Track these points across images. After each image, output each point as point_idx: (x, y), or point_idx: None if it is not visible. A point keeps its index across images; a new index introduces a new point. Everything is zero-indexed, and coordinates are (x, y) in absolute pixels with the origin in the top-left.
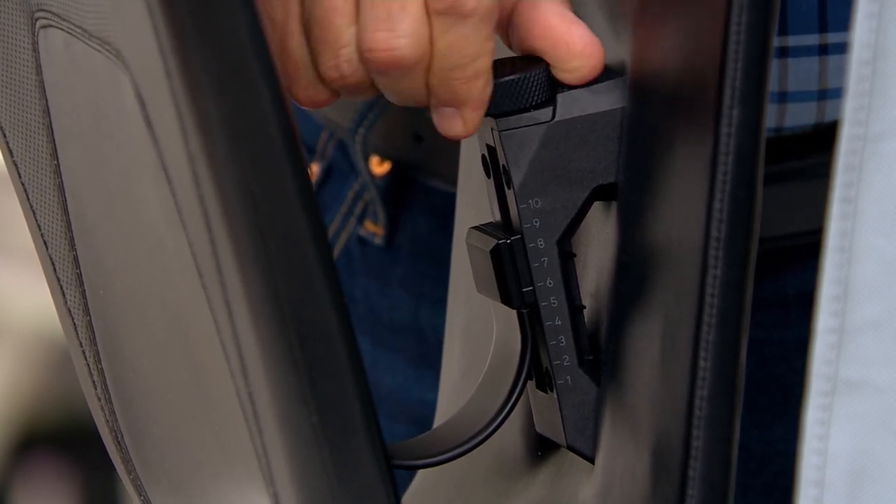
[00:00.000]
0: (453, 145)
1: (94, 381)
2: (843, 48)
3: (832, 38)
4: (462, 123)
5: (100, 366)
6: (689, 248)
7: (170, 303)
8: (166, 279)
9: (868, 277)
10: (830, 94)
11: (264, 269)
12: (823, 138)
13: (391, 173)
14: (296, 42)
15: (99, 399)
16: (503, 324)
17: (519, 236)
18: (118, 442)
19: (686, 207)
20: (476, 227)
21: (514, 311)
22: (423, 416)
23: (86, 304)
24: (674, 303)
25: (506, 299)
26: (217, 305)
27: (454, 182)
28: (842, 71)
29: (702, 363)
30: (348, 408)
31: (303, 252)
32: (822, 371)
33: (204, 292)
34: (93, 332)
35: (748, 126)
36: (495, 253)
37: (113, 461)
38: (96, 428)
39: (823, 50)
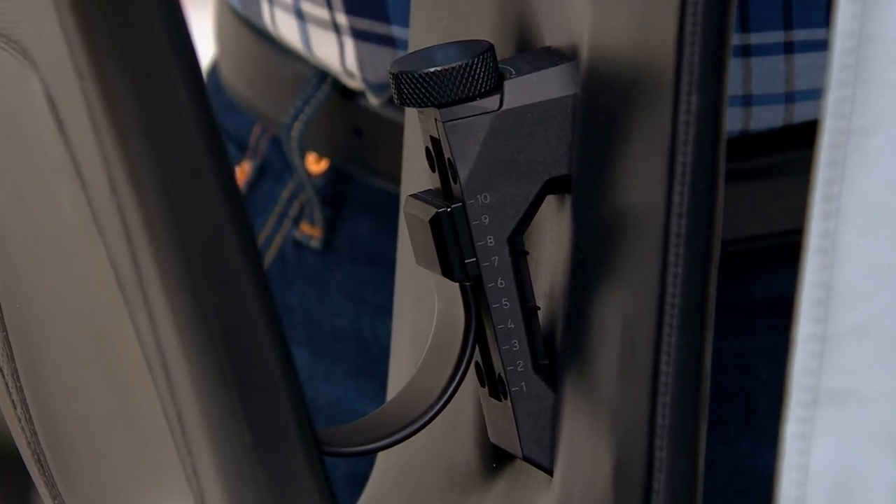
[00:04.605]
0: (395, 140)
1: (13, 401)
2: (810, 46)
3: (798, 35)
4: None
5: (19, 384)
6: (648, 245)
7: (90, 318)
8: (86, 293)
9: (852, 280)
10: (799, 96)
11: (187, 280)
12: (794, 134)
13: (329, 171)
14: None
15: (19, 420)
16: (445, 298)
17: (460, 204)
18: (41, 465)
19: (643, 201)
20: (414, 195)
21: (457, 285)
22: None
23: (1, 318)
24: (632, 303)
25: (447, 271)
26: (140, 320)
27: (396, 180)
28: (810, 71)
29: (663, 367)
30: (283, 424)
31: (229, 260)
32: (802, 381)
33: (126, 306)
34: (10, 348)
35: (708, 114)
36: (435, 222)
37: (36, 486)
38: (8, 453)
39: (789, 48)
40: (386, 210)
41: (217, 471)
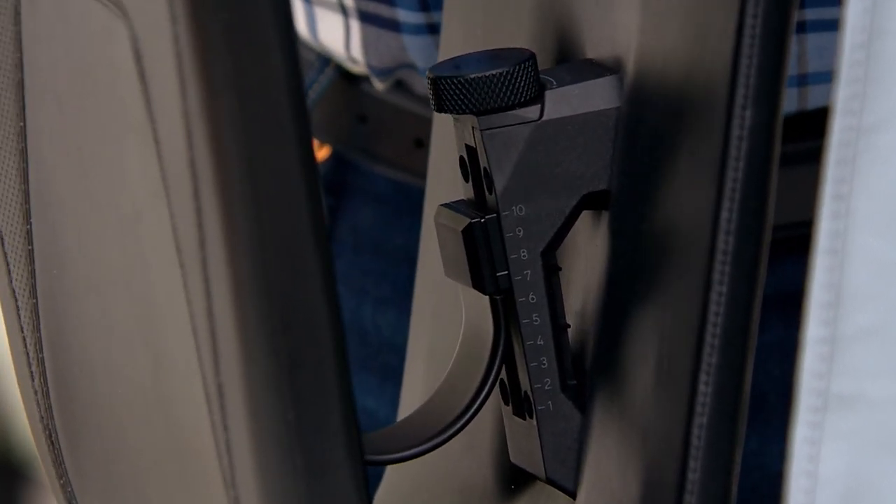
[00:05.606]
0: (400, 127)
1: (31, 373)
2: (823, 26)
3: (810, 14)
4: None
5: (41, 355)
6: (692, 262)
7: (137, 286)
8: (138, 259)
9: (862, 281)
10: (812, 78)
11: (255, 245)
12: (803, 123)
13: (331, 159)
14: None
15: (35, 393)
16: (474, 312)
17: (494, 215)
18: (52, 442)
19: (688, 219)
20: (446, 205)
21: (487, 298)
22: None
23: (34, 286)
24: (672, 322)
25: (478, 284)
26: (194, 284)
27: (400, 168)
28: (823, 52)
29: (702, 387)
30: (328, 408)
31: (299, 233)
32: (811, 385)
33: (180, 270)
34: (38, 316)
35: (762, 129)
36: (468, 232)
37: (42, 465)
38: None
39: (801, 28)
40: (389, 199)
41: (253, 447)
